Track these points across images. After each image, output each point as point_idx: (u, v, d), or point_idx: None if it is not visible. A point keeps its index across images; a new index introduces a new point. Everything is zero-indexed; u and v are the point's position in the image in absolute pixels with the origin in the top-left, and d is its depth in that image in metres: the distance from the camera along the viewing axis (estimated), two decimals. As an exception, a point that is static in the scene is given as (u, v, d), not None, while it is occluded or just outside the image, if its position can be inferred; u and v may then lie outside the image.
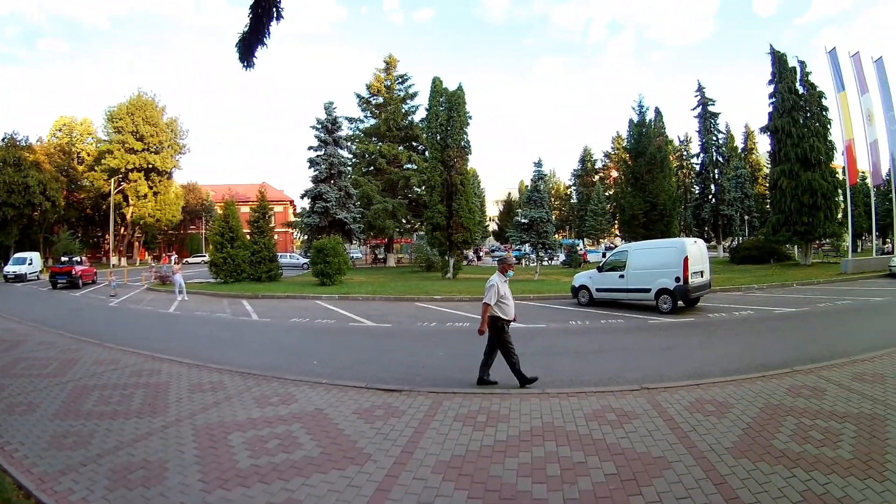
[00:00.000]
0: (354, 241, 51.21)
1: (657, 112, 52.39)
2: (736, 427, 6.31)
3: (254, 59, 6.22)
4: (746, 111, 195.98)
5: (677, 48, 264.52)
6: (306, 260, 42.08)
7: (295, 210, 77.23)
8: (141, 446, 5.94)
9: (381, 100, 55.18)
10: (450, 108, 35.20)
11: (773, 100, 38.23)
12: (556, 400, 7.46)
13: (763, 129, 40.54)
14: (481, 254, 75.69)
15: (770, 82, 38.70)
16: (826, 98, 36.76)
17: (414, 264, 47.31)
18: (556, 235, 68.50)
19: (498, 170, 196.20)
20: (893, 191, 38.49)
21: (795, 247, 43.11)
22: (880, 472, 5.10)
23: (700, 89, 63.99)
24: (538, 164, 36.17)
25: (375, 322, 16.34)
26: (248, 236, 33.84)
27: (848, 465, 5.24)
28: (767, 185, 45.47)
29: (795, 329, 14.41)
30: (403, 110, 54.77)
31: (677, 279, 16.71)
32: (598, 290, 19.32)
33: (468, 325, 14.91)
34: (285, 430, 6.30)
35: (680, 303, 17.02)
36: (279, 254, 38.60)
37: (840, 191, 37.34)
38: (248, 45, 6.13)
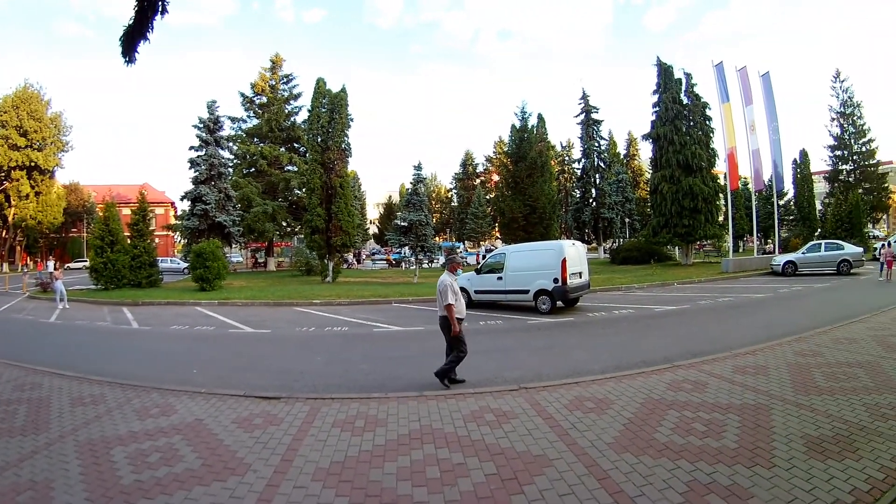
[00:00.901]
0: (234, 245, 54.80)
1: (540, 118, 58.18)
2: (616, 423, 6.88)
3: (135, 54, 6.42)
4: (632, 120, 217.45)
5: (567, 58, 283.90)
6: (186, 264, 42.96)
7: (176, 212, 79.76)
8: (27, 465, 6.08)
9: (264, 99, 58.81)
10: (332, 109, 37.90)
11: (657, 109, 44.20)
12: (434, 402, 8.01)
13: (646, 137, 46.45)
14: (362, 257, 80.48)
15: (655, 92, 44.74)
16: (710, 108, 43.42)
17: (294, 268, 50.26)
18: (437, 238, 74.77)
19: (380, 173, 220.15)
20: (775, 195, 47.08)
21: (676, 248, 48.41)
22: (768, 459, 5.66)
23: (584, 97, 72.99)
24: (418, 168, 40.30)
25: (254, 328, 17.40)
26: (128, 240, 34.83)
27: (734, 455, 5.79)
28: (649, 189, 51.66)
29: (676, 326, 16.00)
30: (287, 111, 58.68)
31: (556, 280, 18.28)
32: (476, 291, 20.99)
33: (346, 330, 16.35)
34: (166, 443, 6.61)
35: (559, 303, 18.79)
36: (160, 258, 40.61)
37: (721, 195, 45.05)
38: (131, 40, 6.32)
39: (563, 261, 18.22)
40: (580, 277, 19.58)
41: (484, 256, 43.00)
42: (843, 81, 67.72)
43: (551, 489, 5.11)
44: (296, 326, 17.56)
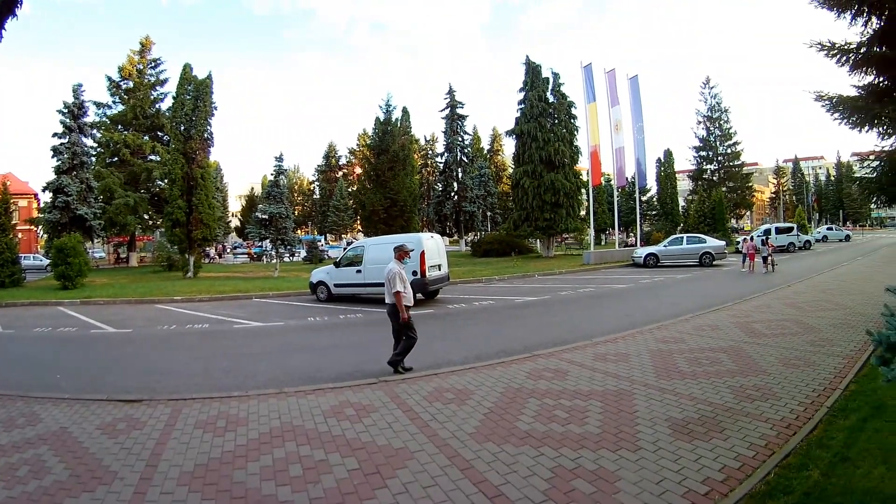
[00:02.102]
0: (97, 240, 54.60)
1: (405, 111, 61.52)
2: (477, 413, 7.21)
3: (2, 30, 6.47)
4: (499, 117, 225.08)
5: (439, 54, 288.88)
6: (49, 261, 39.90)
7: (39, 205, 68.79)
8: None
9: (131, 84, 57.01)
10: (196, 96, 38.15)
11: (522, 106, 47.87)
12: (294, 399, 8.25)
13: (509, 133, 50.02)
14: (227, 251, 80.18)
15: (521, 90, 48.36)
16: (576, 107, 47.40)
17: (156, 263, 49.84)
18: (298, 231, 76.56)
19: (243, 164, 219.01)
20: (637, 191, 50.90)
21: (538, 241, 51.10)
22: (633, 443, 6.01)
23: (450, 92, 76.03)
24: (279, 159, 41.47)
25: (116, 328, 17.22)
26: (-12, 236, 33.31)
27: (598, 440, 6.13)
28: (511, 184, 55.69)
29: (537, 316, 16.89)
30: (152, 97, 57.45)
31: (414, 273, 18.61)
32: (336, 285, 21.72)
33: (207, 327, 16.55)
34: (34, 455, 6.51)
35: (419, 295, 19.10)
36: (22, 255, 39.54)
37: (583, 190, 49.09)
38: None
39: (422, 253, 18.91)
40: (439, 270, 20.45)
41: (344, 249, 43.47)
42: (712, 88, 75.67)
43: (414, 482, 5.28)
44: (157, 325, 17.51)
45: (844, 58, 12.79)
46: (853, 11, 12.58)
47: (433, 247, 20.23)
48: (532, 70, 47.59)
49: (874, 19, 12.63)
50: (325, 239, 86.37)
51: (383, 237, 24.22)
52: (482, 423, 6.76)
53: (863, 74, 13.05)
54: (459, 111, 75.26)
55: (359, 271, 20.76)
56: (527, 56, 48.54)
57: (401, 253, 10.52)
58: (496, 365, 9.77)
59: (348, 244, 53.99)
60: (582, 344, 11.28)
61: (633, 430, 6.36)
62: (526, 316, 16.79)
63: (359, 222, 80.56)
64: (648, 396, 7.63)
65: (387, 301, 10.15)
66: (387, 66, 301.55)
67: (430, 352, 11.48)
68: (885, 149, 13.43)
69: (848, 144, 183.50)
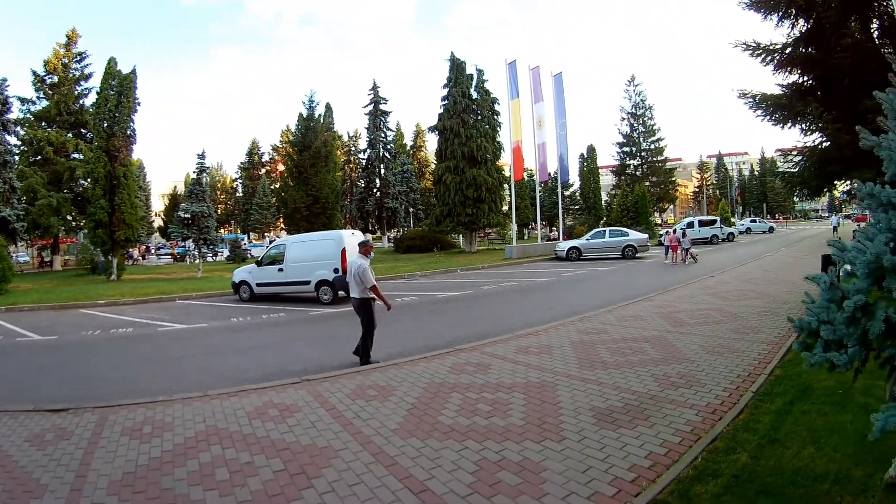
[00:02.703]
0: (20, 243, 52.52)
1: (328, 107, 61.48)
2: (400, 409, 7.32)
3: None
4: (423, 113, 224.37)
5: (365, 50, 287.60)
6: None
7: None
8: None
9: (56, 79, 55.40)
10: (120, 92, 37.39)
11: (446, 102, 49.18)
12: (217, 401, 8.23)
13: (432, 129, 51.14)
14: (151, 251, 79.83)
15: (445, 86, 49.57)
16: (499, 103, 49.30)
17: (80, 266, 49.00)
18: (222, 230, 77.78)
19: (167, 161, 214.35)
20: (559, 186, 52.34)
21: (460, 236, 52.09)
22: (557, 433, 6.11)
23: (374, 88, 76.84)
24: (201, 156, 41.43)
25: (42, 335, 16.89)
26: None
27: (522, 431, 6.22)
28: (433, 179, 56.64)
29: (459, 311, 17.17)
30: (76, 92, 55.72)
31: (336, 270, 19.38)
32: (258, 284, 21.82)
33: (132, 331, 16.36)
34: None
35: (341, 293, 19.45)
36: None
37: (506, 185, 50.78)
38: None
39: (343, 250, 19.24)
40: None
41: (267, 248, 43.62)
42: (637, 86, 78.88)
43: (340, 480, 5.30)
44: (82, 330, 17.20)
45: (769, 57, 13.38)
46: (780, 14, 13.21)
47: (354, 244, 19.89)
48: (456, 66, 48.90)
49: (801, 21, 13.28)
50: (248, 238, 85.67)
51: (304, 235, 24.45)
52: (405, 419, 6.84)
53: (787, 74, 13.66)
54: (383, 107, 76.00)
55: (281, 270, 20.95)
56: (451, 53, 49.87)
57: (366, 248, 10.91)
58: (419, 360, 9.91)
59: (271, 242, 53.89)
60: (504, 337, 11.46)
61: (556, 420, 6.44)
62: (448, 311, 16.91)
63: (281, 220, 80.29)
64: (571, 387, 7.73)
65: (355, 296, 10.53)
66: (313, 60, 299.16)
67: (352, 349, 11.47)
68: (808, 144, 13.99)
69: (772, 141, 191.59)
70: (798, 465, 4.97)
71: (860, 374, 4.48)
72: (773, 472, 4.88)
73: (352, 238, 20.34)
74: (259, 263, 22.06)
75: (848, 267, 4.38)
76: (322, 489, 5.13)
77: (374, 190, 75.94)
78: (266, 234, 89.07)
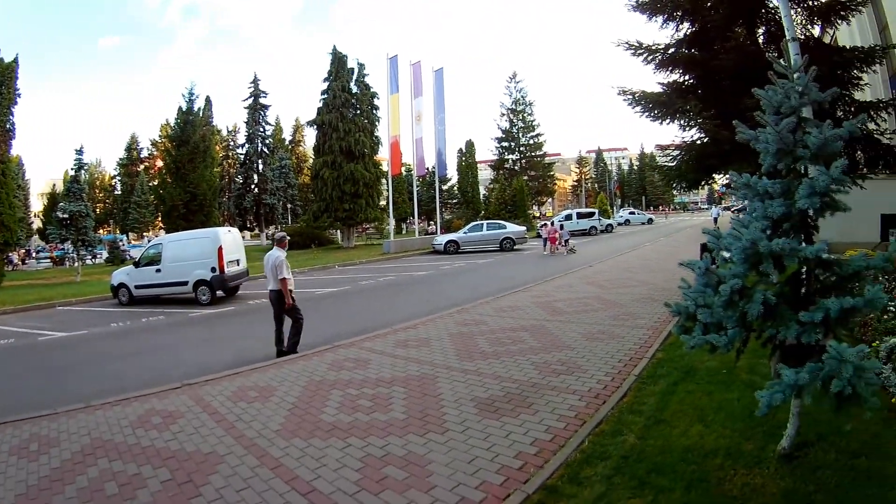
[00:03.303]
0: None
1: (207, 100, 60.95)
2: (281, 409, 7.31)
3: None
4: (303, 107, 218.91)
5: (248, 42, 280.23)
6: None
7: None
8: None
9: None
10: (1, 82, 35.10)
11: (325, 96, 49.51)
12: (101, 412, 8.02)
13: (311, 123, 51.29)
14: (30, 255, 73.26)
15: (326, 80, 49.88)
16: (379, 98, 50.01)
17: None
18: (101, 231, 73.67)
19: (46, 158, 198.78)
20: (437, 180, 53.40)
21: (339, 232, 52.45)
22: (440, 425, 6.18)
23: (255, 81, 76.29)
24: (79, 152, 39.26)
25: None
26: None
27: (404, 425, 6.30)
28: (311, 174, 56.62)
29: (338, 307, 16.93)
30: None
31: (213, 269, 19.12)
32: (137, 287, 21.07)
33: (14, 342, 15.53)
34: None
35: (220, 293, 19.63)
36: None
37: (383, 180, 50.37)
38: None
39: (220, 248, 19.05)
40: (238, 265, 20.48)
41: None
42: (518, 82, 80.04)
43: (227, 486, 5.25)
44: None
45: (651, 57, 13.94)
46: (665, 16, 13.86)
47: (231, 241, 20.28)
48: (338, 60, 48.72)
49: (686, 24, 14.01)
50: (128, 238, 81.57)
51: (181, 233, 23.70)
52: (287, 419, 6.84)
53: (668, 73, 14.32)
54: (263, 101, 75.25)
55: (158, 271, 20.29)
56: (334, 46, 50.26)
57: (282, 242, 11.32)
58: (297, 359, 9.86)
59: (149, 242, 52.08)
60: (383, 332, 11.52)
61: (439, 412, 6.52)
62: (326, 308, 16.72)
63: (160, 219, 77.62)
64: (452, 378, 7.84)
65: (271, 288, 10.85)
66: (195, 52, 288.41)
67: (233, 350, 11.68)
68: (686, 140, 14.65)
69: (651, 138, 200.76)
70: (687, 443, 5.14)
71: (742, 353, 4.66)
72: (663, 451, 5.02)
73: (228, 235, 20.36)
74: (137, 265, 21.32)
75: (725, 253, 4.56)
76: (210, 497, 5.08)
77: (252, 186, 74.87)
78: (145, 233, 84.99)
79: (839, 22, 13.34)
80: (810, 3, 13.16)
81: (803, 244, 4.17)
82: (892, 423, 5.29)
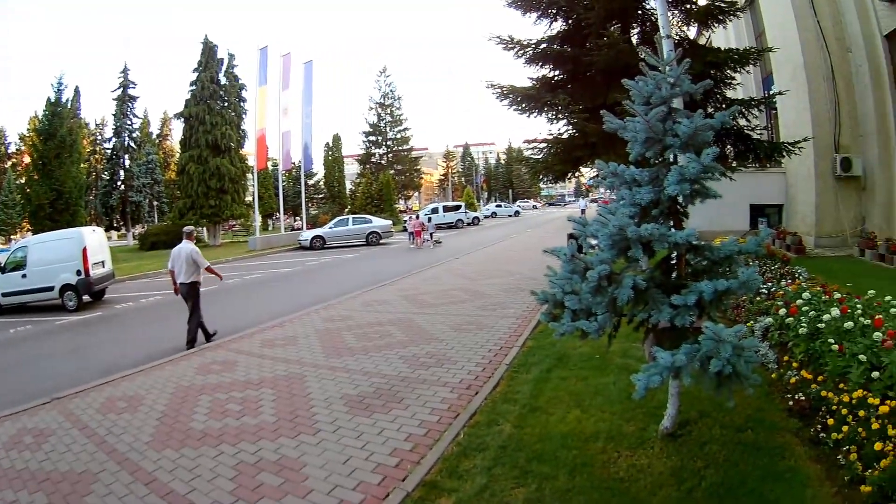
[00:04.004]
0: None
1: (76, 91, 57.07)
2: (151, 419, 7.00)
3: None
4: (172, 99, 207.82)
5: (117, 25, 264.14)
6: None
7: None
8: None
9: None
10: None
11: (194, 87, 47.22)
12: None
13: (178, 115, 48.74)
14: None
15: (195, 70, 47.63)
16: (247, 90, 48.96)
17: None
18: None
19: None
20: (303, 175, 52.36)
21: (205, 229, 50.13)
22: (311, 426, 6.04)
23: (125, 71, 70.30)
24: None
25: None
26: None
27: (275, 428, 6.13)
28: (177, 170, 53.88)
29: (205, 307, 15.18)
30: None
31: (79, 272, 17.94)
32: (4, 294, 19.35)
33: None
34: None
35: (86, 297, 18.47)
36: None
37: (249, 175, 49.76)
38: None
39: (84, 250, 17.88)
40: (103, 267, 19.31)
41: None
42: (388, 76, 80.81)
43: None
44: None
45: (522, 52, 14.05)
46: (540, 13, 14.05)
47: (96, 242, 19.00)
48: (209, 50, 46.91)
49: (560, 21, 14.21)
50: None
51: (46, 235, 21.80)
52: (157, 430, 6.54)
53: (539, 67, 14.46)
54: (132, 91, 70.04)
55: (24, 276, 18.73)
56: (206, 35, 48.03)
57: (190, 236, 11.40)
58: (165, 364, 9.49)
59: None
60: (249, 332, 11.28)
61: (309, 413, 6.38)
62: (192, 309, 15.99)
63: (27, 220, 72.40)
64: (320, 377, 7.73)
65: (184, 281, 10.92)
66: (66, 40, 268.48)
67: (102, 358, 11.08)
68: (554, 133, 14.93)
69: (519, 133, 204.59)
70: (566, 430, 5.15)
71: (614, 338, 4.70)
72: (542, 439, 5.02)
73: (93, 236, 19.18)
74: (3, 270, 19.44)
75: (592, 240, 4.58)
76: (87, 521, 4.84)
77: (119, 183, 69.82)
78: (13, 236, 79.46)
79: (716, 25, 13.94)
80: (688, 6, 13.72)
81: (673, 230, 4.19)
82: (773, 397, 5.55)
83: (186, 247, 11.08)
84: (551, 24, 14.30)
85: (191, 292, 11.04)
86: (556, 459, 4.62)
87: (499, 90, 14.15)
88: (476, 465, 4.69)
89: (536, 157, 15.74)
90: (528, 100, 13.92)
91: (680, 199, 4.24)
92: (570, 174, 15.87)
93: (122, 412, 7.29)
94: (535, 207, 71.75)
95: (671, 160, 4.46)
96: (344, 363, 8.25)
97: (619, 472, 4.37)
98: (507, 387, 6.47)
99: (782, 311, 6.74)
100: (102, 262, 19.25)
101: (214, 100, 45.99)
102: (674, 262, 4.52)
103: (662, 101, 4.39)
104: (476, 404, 6.04)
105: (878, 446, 3.97)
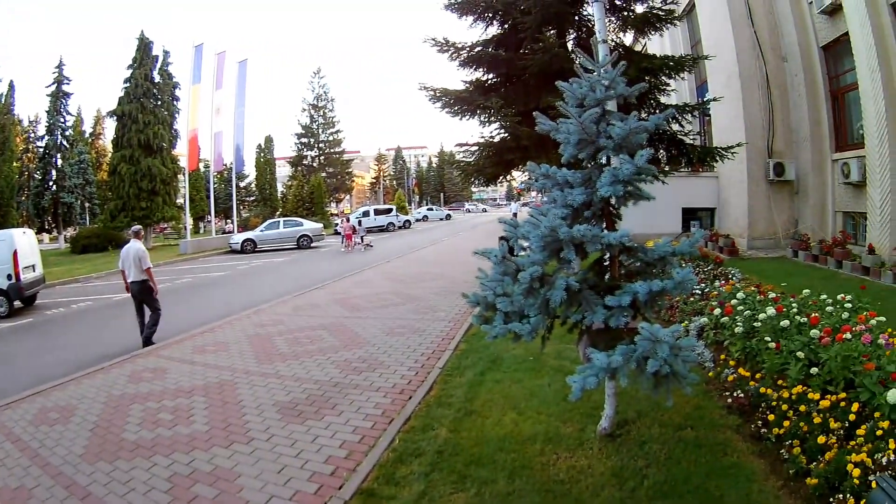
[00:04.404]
0: None
1: (10, 86, 54.52)
2: (83, 430, 6.76)
3: None
4: (107, 96, 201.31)
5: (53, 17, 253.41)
6: None
7: None
8: None
9: None
10: None
11: (128, 85, 45.32)
12: None
13: (111, 114, 47.16)
14: None
15: (130, 66, 45.72)
16: (181, 88, 47.22)
17: None
18: None
19: None
20: (234, 177, 52.06)
21: None
22: (244, 435, 5.93)
23: (60, 66, 67.27)
24: None
25: None
26: None
27: (208, 438, 5.97)
28: (109, 170, 52.12)
29: (132, 314, 14.79)
30: None
31: (10, 276, 17.15)
32: None
33: None
34: None
35: (17, 303, 17.75)
36: None
37: (180, 176, 48.48)
38: None
39: (15, 253, 17.11)
40: (34, 271, 18.54)
41: None
42: (321, 78, 79.44)
43: None
44: None
45: (457, 55, 14.02)
46: (476, 16, 14.03)
47: (26, 245, 18.28)
48: (144, 46, 45.31)
49: (496, 25, 14.25)
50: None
51: None
52: (90, 441, 6.30)
53: (472, 70, 14.51)
54: (66, 87, 66.40)
55: None
56: (142, 31, 47.01)
57: (138, 234, 11.76)
58: (96, 372, 9.14)
59: None
60: (179, 338, 11.04)
61: (241, 421, 6.24)
62: (124, 315, 15.09)
63: None
64: (252, 383, 7.58)
65: (134, 280, 11.06)
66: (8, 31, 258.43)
67: (33, 367, 10.65)
68: (486, 136, 14.94)
69: (451, 137, 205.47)
70: (503, 432, 5.14)
71: (548, 340, 4.69)
72: (479, 443, 4.99)
73: (23, 238, 18.37)
74: None
75: (524, 242, 4.57)
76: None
77: (51, 183, 67.00)
78: None
79: (653, 33, 14.21)
80: (626, 13, 13.92)
81: (606, 231, 4.19)
82: (711, 395, 5.64)
83: (134, 245, 11.24)
84: (487, 27, 14.33)
85: (143, 291, 11.22)
86: (495, 463, 4.60)
87: (431, 92, 14.09)
88: (413, 471, 4.63)
89: (468, 160, 15.71)
90: (460, 102, 13.91)
91: (613, 200, 4.27)
92: (501, 177, 15.92)
93: (55, 423, 7.08)
94: (485, 210, 71.93)
95: (604, 162, 4.47)
96: (276, 369, 8.14)
97: (559, 473, 4.37)
98: (441, 391, 6.44)
99: (717, 311, 6.90)
100: (33, 265, 18.58)
101: (148, 98, 44.66)
102: (607, 263, 4.53)
103: (597, 103, 4.40)
104: (410, 409, 6.00)
105: (821, 439, 4.13)
